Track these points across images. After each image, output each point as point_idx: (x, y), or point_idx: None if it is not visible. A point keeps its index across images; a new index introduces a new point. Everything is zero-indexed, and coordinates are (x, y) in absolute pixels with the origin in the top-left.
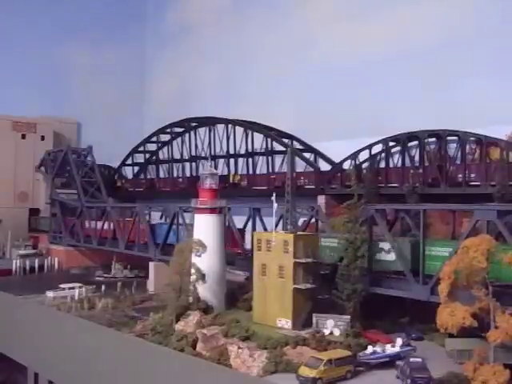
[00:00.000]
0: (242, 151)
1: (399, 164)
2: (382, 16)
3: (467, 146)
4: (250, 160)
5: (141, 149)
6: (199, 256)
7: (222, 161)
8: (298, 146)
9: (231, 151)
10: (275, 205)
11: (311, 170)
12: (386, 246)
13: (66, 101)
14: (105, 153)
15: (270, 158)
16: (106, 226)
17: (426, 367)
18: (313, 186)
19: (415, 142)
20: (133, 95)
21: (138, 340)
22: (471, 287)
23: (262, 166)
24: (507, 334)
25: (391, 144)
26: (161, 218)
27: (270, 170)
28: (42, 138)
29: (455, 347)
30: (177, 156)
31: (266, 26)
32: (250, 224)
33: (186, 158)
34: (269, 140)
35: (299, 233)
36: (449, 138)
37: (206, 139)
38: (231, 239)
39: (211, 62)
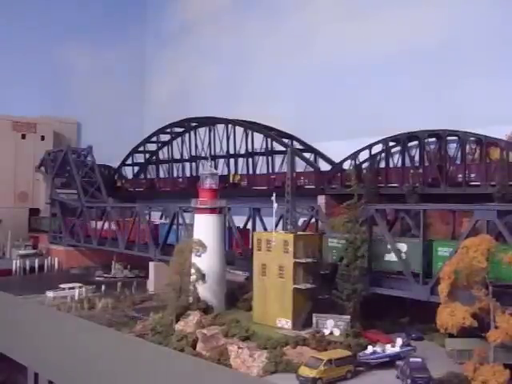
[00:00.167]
0: (242, 151)
1: (399, 164)
2: (382, 16)
3: (467, 146)
4: (250, 160)
5: (141, 149)
6: (199, 256)
7: (222, 161)
8: (298, 145)
9: (231, 151)
10: (275, 205)
11: (311, 169)
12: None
13: (66, 101)
14: (105, 153)
15: (269, 157)
16: (106, 226)
17: (426, 367)
18: (313, 186)
19: (415, 142)
20: (133, 95)
21: (137, 340)
22: (471, 287)
23: (261, 166)
24: (507, 334)
25: (391, 144)
26: (161, 217)
27: (270, 170)
28: (42, 138)
29: (455, 347)
30: (177, 156)
31: (266, 25)
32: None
33: (186, 157)
34: (269, 140)
35: (299, 233)
36: (449, 138)
37: (206, 139)
38: (240, 239)
39: (211, 62)
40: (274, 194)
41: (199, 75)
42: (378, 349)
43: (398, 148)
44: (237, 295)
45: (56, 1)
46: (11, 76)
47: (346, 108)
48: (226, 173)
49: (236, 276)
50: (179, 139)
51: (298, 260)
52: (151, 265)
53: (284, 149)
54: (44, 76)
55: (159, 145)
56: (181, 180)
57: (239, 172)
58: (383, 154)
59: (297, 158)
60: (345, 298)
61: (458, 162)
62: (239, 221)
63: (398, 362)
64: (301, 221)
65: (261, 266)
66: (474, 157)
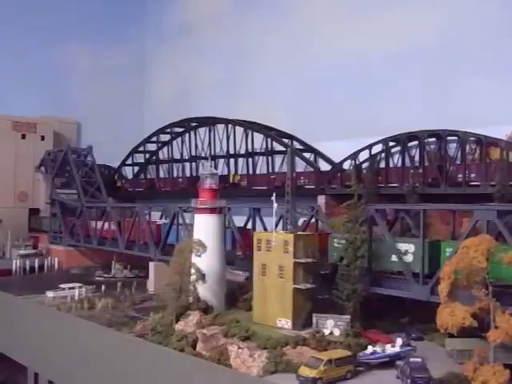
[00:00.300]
0: (242, 151)
1: (399, 164)
2: (382, 16)
3: (467, 146)
4: (250, 160)
5: (141, 149)
6: (199, 256)
7: (222, 161)
8: (298, 146)
9: (231, 151)
10: (275, 205)
11: (311, 169)
12: (404, 247)
13: (66, 101)
14: (105, 153)
15: (269, 158)
16: (106, 226)
17: (426, 367)
18: (313, 186)
19: (415, 142)
20: (133, 95)
21: (137, 340)
22: (471, 287)
23: (261, 166)
24: (507, 334)
25: (391, 144)
26: (161, 217)
27: (270, 170)
28: (42, 138)
29: (455, 347)
30: (177, 156)
31: (267, 25)
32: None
33: (186, 157)
34: (269, 140)
35: (299, 233)
36: (449, 138)
37: (206, 139)
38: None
39: (211, 62)
40: (274, 194)
41: (199, 75)
42: (378, 349)
43: (398, 148)
44: (237, 295)
45: (56, 1)
46: (11, 76)
47: (346, 108)
48: (226, 173)
49: (236, 276)
50: (179, 139)
51: (297, 260)
52: (151, 265)
53: (284, 149)
54: (44, 76)
55: (159, 145)
56: (181, 180)
57: (239, 172)
58: (383, 154)
59: (297, 158)
60: (345, 297)
61: (458, 162)
62: (239, 221)
63: (398, 362)
64: (301, 221)
65: (261, 266)
66: (473, 157)
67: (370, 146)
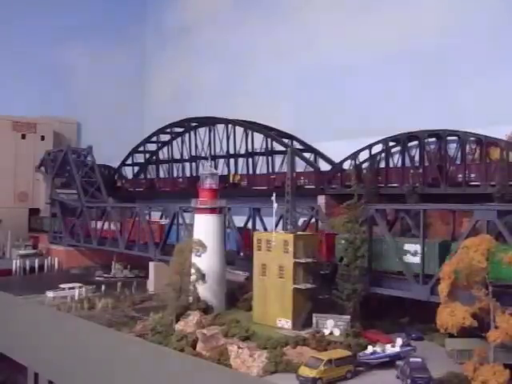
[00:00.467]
0: (242, 151)
1: (399, 164)
2: (382, 16)
3: (467, 146)
4: (250, 160)
5: (141, 149)
6: (199, 256)
7: (222, 161)
8: (298, 146)
9: (231, 151)
10: (275, 205)
11: (311, 169)
12: (411, 247)
13: (66, 101)
14: (105, 153)
15: (269, 158)
16: (106, 226)
17: (426, 367)
18: (313, 186)
19: (415, 142)
20: (133, 95)
21: (138, 340)
22: (471, 287)
23: (261, 166)
24: (507, 334)
25: (391, 144)
26: (161, 217)
27: (270, 170)
28: (42, 138)
29: (455, 347)
30: (177, 156)
31: (267, 25)
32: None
33: (186, 157)
34: (269, 140)
35: (299, 233)
36: (449, 138)
37: (206, 139)
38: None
39: (211, 62)
40: (274, 194)
41: (199, 75)
42: (378, 349)
43: (398, 148)
44: (237, 295)
45: (56, 1)
46: (11, 76)
47: (346, 108)
48: (226, 173)
49: (236, 276)
50: (179, 139)
51: (297, 260)
52: (151, 265)
53: (284, 149)
54: (44, 76)
55: (159, 145)
56: (181, 180)
57: (239, 172)
58: (383, 154)
59: (297, 158)
60: (345, 297)
61: (458, 162)
62: (239, 221)
63: (398, 362)
64: (301, 221)
65: (261, 266)
66: (473, 157)
67: (370, 146)
